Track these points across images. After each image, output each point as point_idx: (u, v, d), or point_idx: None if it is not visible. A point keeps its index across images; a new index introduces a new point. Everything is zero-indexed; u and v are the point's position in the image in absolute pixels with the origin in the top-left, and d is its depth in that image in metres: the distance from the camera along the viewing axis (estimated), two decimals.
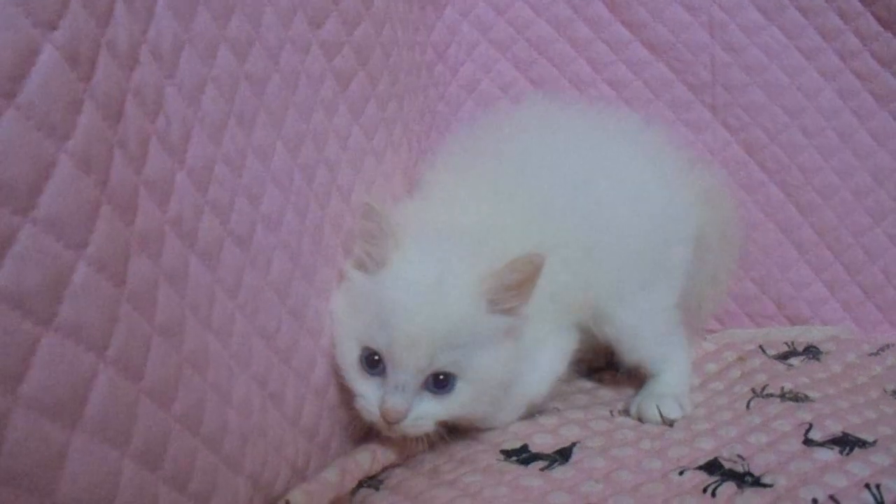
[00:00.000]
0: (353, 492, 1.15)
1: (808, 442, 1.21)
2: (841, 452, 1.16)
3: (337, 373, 1.16)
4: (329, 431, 1.17)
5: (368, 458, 1.17)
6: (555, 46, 1.88)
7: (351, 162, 1.23)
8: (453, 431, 1.24)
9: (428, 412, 1.12)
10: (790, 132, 1.83)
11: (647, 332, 1.42)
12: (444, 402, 1.13)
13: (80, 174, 0.63)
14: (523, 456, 1.22)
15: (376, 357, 1.11)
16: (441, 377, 1.11)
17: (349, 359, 1.13)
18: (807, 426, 1.26)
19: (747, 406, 1.39)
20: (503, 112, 1.54)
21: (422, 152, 1.58)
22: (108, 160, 0.68)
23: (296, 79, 1.07)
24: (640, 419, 1.38)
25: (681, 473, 1.13)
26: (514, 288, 1.10)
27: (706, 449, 1.21)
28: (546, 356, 1.32)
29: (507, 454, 1.23)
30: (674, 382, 1.44)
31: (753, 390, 1.47)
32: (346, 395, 1.18)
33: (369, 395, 1.12)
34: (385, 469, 1.20)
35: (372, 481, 1.18)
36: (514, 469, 1.19)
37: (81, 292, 0.63)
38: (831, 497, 1.03)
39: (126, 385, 0.69)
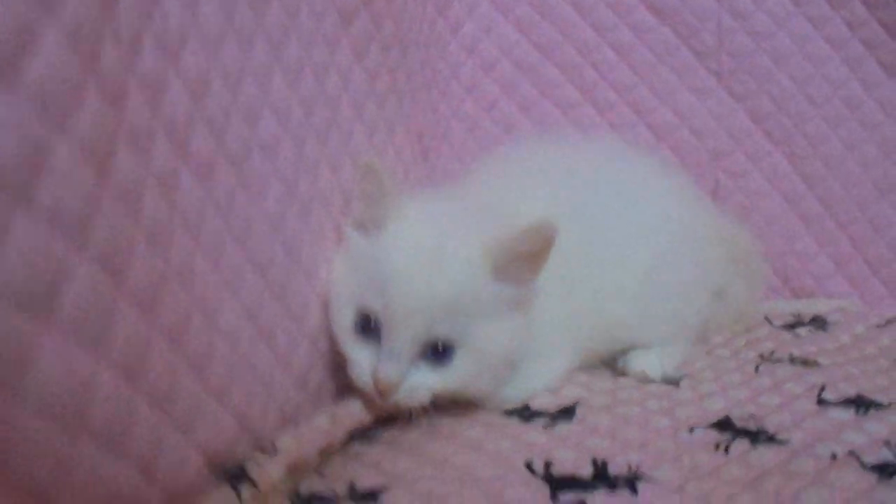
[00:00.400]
0: (346, 446, 1.09)
1: (821, 402, 1.16)
2: (857, 412, 1.11)
3: (332, 338, 1.10)
4: (321, 383, 1.11)
5: (361, 408, 1.10)
6: (558, 10, 1.84)
7: (352, 103, 1.19)
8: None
9: (423, 383, 1.04)
10: (796, 101, 1.79)
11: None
12: (442, 373, 1.05)
13: (68, 51, 0.59)
14: (525, 414, 1.16)
15: (371, 322, 1.04)
16: (439, 346, 1.04)
17: (343, 323, 1.07)
18: (819, 387, 1.21)
19: (756, 370, 1.34)
20: (540, 145, 1.51)
21: (426, 106, 1.53)
22: (97, 44, 0.63)
23: (297, 5, 1.04)
24: (624, 373, 1.36)
25: (691, 431, 1.08)
26: (523, 259, 1.03)
27: (715, 409, 1.15)
28: (554, 363, 1.26)
29: (508, 413, 1.17)
30: (667, 349, 1.39)
31: (761, 356, 1.42)
32: (342, 357, 1.11)
33: (362, 361, 1.05)
34: (379, 425, 1.14)
35: (365, 436, 1.12)
36: (516, 425, 1.13)
37: (60, 176, 0.58)
38: (850, 452, 0.97)
39: (106, 283, 0.64)
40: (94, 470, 0.63)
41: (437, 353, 1.04)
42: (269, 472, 0.90)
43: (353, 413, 1.09)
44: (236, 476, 0.87)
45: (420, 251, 1.02)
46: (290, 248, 1.02)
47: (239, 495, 0.85)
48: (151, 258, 0.72)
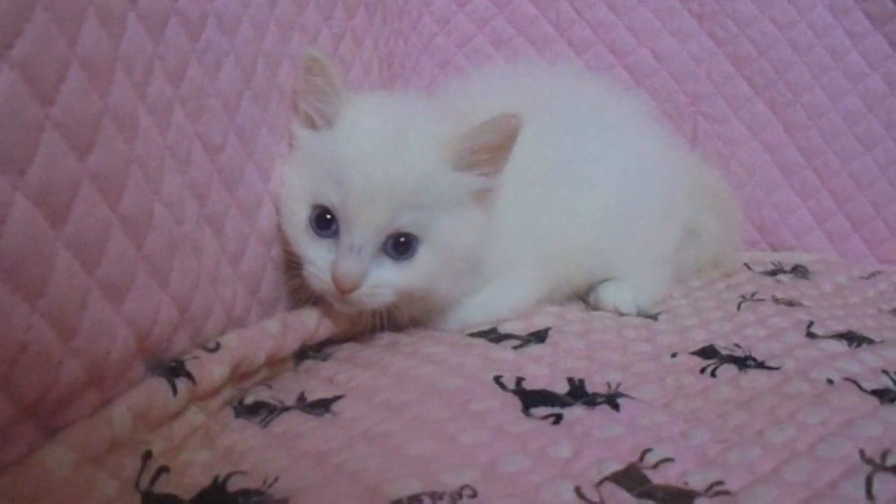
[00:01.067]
0: (298, 362, 1.02)
1: (810, 336, 1.08)
2: (849, 345, 1.03)
3: (284, 240, 1.04)
4: (274, 291, 1.04)
5: (315, 318, 1.03)
6: None
7: (318, 4, 1.12)
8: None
9: (387, 279, 0.99)
10: (779, 47, 1.73)
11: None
12: (406, 268, 1.00)
13: None
14: (492, 336, 1.08)
15: (328, 216, 0.98)
16: (402, 239, 0.99)
17: (297, 219, 1.00)
18: (807, 323, 1.13)
19: (738, 307, 1.26)
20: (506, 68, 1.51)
21: (396, 33, 1.48)
22: None
23: None
24: (596, 307, 1.29)
25: (673, 356, 1.00)
26: (485, 151, 0.99)
27: (698, 339, 1.08)
28: (521, 285, 1.19)
29: (474, 335, 1.10)
30: (640, 282, 1.31)
31: (742, 296, 1.35)
32: (297, 264, 1.04)
33: (319, 259, 0.99)
34: (335, 342, 1.06)
35: (319, 353, 1.04)
36: (482, 344, 1.06)
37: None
38: (847, 378, 0.89)
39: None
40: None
41: (400, 247, 0.99)
42: (210, 369, 0.82)
43: (306, 322, 1.01)
44: (173, 370, 0.79)
45: (377, 140, 0.98)
46: (243, 135, 0.95)
47: (175, 389, 0.76)
48: (84, 87, 0.65)
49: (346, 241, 0.97)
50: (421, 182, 0.97)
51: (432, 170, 0.98)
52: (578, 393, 0.88)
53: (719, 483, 0.67)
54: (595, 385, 0.90)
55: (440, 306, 1.12)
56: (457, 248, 1.03)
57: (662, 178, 1.32)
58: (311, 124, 1.03)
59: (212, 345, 0.86)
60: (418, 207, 0.97)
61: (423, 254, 1.00)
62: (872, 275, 1.55)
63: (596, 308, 1.27)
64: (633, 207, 1.26)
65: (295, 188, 1.01)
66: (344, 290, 0.96)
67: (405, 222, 0.97)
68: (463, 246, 1.04)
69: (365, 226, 0.96)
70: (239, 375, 0.88)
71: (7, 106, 0.55)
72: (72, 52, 0.63)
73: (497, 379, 0.90)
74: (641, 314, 1.24)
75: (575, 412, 0.83)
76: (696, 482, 0.68)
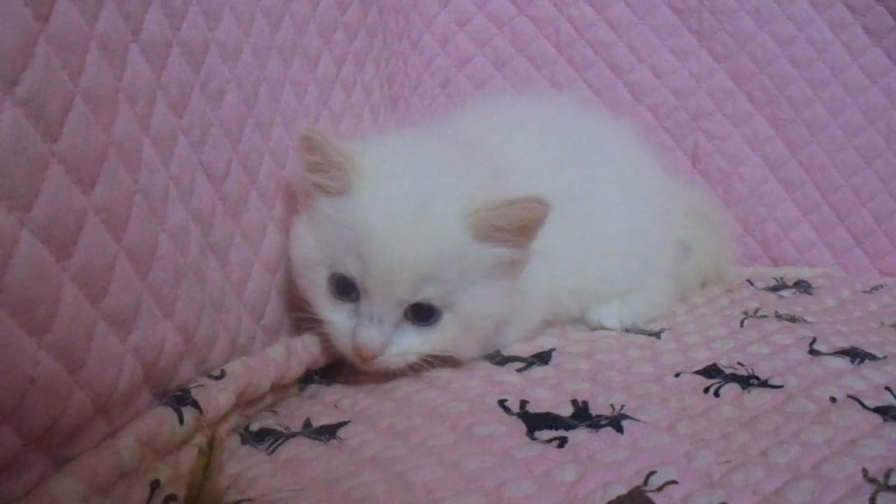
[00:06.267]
0: (303, 386, 1.03)
1: (813, 352, 1.08)
2: (852, 362, 1.03)
3: (300, 295, 1.03)
4: (278, 317, 1.04)
5: (318, 344, 1.04)
6: None
7: (319, 28, 1.14)
8: None
9: (410, 347, 0.98)
10: (779, 63, 1.73)
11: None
12: (429, 335, 0.99)
13: None
14: (496, 359, 1.09)
15: (349, 285, 0.97)
16: (425, 309, 0.97)
17: (315, 282, 0.99)
18: (810, 340, 1.13)
19: (741, 324, 1.26)
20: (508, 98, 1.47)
21: (397, 53, 1.48)
22: None
23: None
24: (586, 324, 1.29)
25: (676, 376, 1.00)
26: (511, 231, 0.97)
27: (701, 358, 1.08)
28: (532, 311, 1.18)
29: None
30: (631, 297, 1.31)
31: (745, 312, 1.35)
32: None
33: (340, 324, 0.99)
34: (338, 364, 1.06)
35: (323, 377, 1.05)
36: (486, 366, 1.06)
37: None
38: (850, 396, 0.89)
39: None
40: (5, 345, 0.55)
41: (423, 314, 0.98)
42: (216, 397, 0.82)
43: (310, 347, 1.02)
44: (179, 399, 0.79)
45: (398, 211, 0.95)
46: (247, 163, 0.96)
47: (181, 417, 0.77)
48: (87, 117, 0.66)
49: (366, 311, 0.96)
50: (443, 257, 0.95)
51: (456, 244, 0.96)
52: (583, 415, 0.88)
53: None
54: (599, 407, 0.90)
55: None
56: (482, 317, 1.02)
57: (657, 197, 1.34)
58: (325, 191, 0.99)
59: (217, 373, 0.86)
60: (441, 281, 0.95)
61: (447, 321, 0.99)
62: (875, 288, 1.55)
63: (585, 324, 1.28)
64: (639, 232, 1.27)
65: (312, 251, 0.99)
66: (365, 359, 0.96)
67: (427, 295, 0.96)
68: (489, 315, 1.03)
69: (386, 298, 0.95)
70: (244, 402, 0.89)
71: (12, 142, 0.56)
72: (75, 86, 0.63)
73: (501, 403, 0.91)
74: (632, 330, 1.25)
75: (579, 435, 0.83)
76: None
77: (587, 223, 1.20)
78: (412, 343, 0.98)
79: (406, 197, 0.95)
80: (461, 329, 1.00)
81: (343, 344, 0.98)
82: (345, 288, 0.97)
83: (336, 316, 0.98)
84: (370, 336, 0.95)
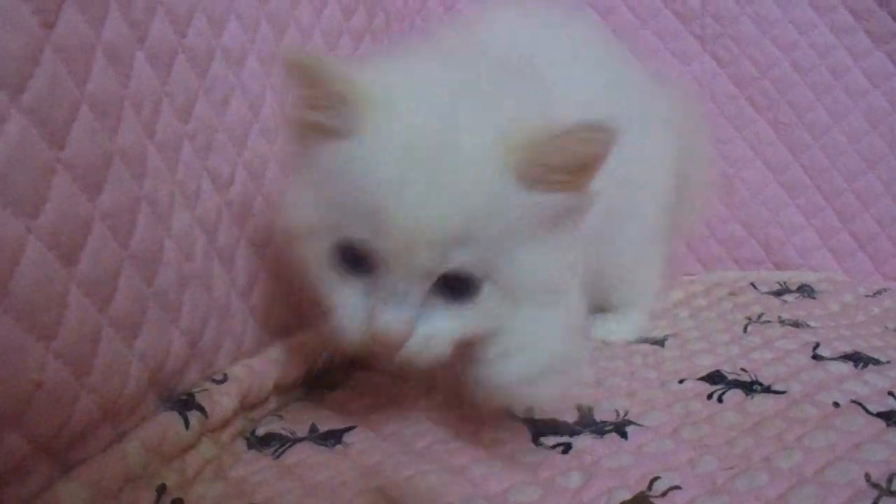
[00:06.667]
0: (307, 391, 1.02)
1: (816, 357, 1.08)
2: (855, 366, 1.03)
3: (297, 275, 0.81)
4: (285, 323, 1.03)
5: (316, 341, 1.00)
6: None
7: (325, 34, 1.14)
8: None
9: (442, 329, 0.75)
10: (781, 67, 1.73)
11: (630, 266, 1.23)
12: (465, 313, 0.75)
13: None
14: None
15: (359, 254, 0.74)
16: (459, 280, 0.73)
17: (315, 254, 0.77)
18: (813, 345, 1.13)
19: (745, 330, 1.26)
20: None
21: None
22: None
23: None
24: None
25: (680, 382, 1.00)
26: (564, 170, 0.72)
27: (705, 364, 1.08)
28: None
29: None
30: (629, 315, 1.27)
31: (749, 318, 1.35)
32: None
33: (351, 306, 0.76)
34: (342, 367, 1.06)
35: (327, 381, 1.04)
36: None
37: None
38: (854, 401, 0.89)
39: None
40: (12, 350, 0.56)
41: (457, 287, 0.74)
42: (220, 401, 0.83)
43: (309, 344, 1.00)
44: (185, 404, 0.80)
45: (418, 153, 0.70)
46: (252, 169, 0.96)
47: (187, 422, 0.77)
48: (93, 125, 0.67)
49: (385, 285, 0.73)
50: (480, 209, 0.70)
51: (495, 191, 0.71)
52: (587, 421, 0.88)
53: None
54: (603, 412, 0.90)
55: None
56: (532, 283, 0.77)
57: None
58: (323, 133, 0.75)
59: (219, 377, 0.86)
60: (478, 241, 0.71)
61: (487, 293, 0.75)
62: (878, 292, 1.55)
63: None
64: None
65: (309, 216, 0.76)
66: (385, 346, 0.74)
67: (461, 262, 0.72)
68: (540, 281, 0.77)
69: (408, 269, 0.71)
70: (248, 405, 0.89)
71: (19, 150, 0.56)
72: (81, 93, 0.64)
73: (507, 409, 0.90)
74: (638, 340, 1.23)
75: (584, 441, 0.84)
76: None
77: (640, 167, 1.07)
78: (444, 325, 0.74)
79: (426, 133, 0.71)
80: (506, 302, 0.76)
81: (356, 332, 0.75)
82: (355, 259, 0.74)
83: (344, 296, 0.76)
84: (391, 318, 0.72)
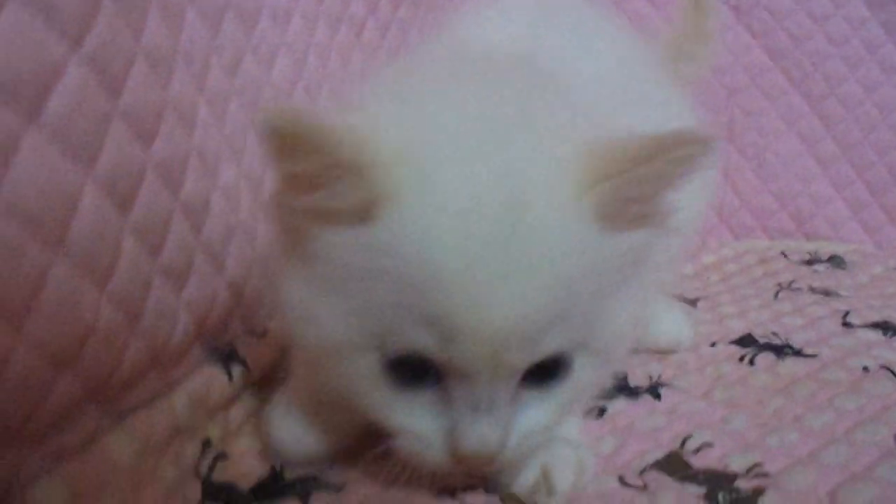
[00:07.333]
0: None
1: (846, 325, 1.09)
2: (884, 334, 1.04)
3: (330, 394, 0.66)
4: None
5: None
6: None
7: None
8: None
9: (537, 425, 0.62)
10: (815, 39, 1.73)
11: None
12: (557, 395, 0.62)
13: None
14: None
15: (420, 364, 0.57)
16: (551, 364, 0.59)
17: (360, 375, 0.59)
18: (843, 312, 1.14)
19: (775, 296, 1.27)
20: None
21: None
22: None
23: None
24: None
25: (712, 345, 1.02)
26: (647, 196, 0.57)
27: (736, 328, 1.09)
28: None
29: None
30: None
31: (779, 284, 1.36)
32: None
33: (424, 428, 0.60)
34: None
35: None
36: None
37: None
38: (883, 366, 0.90)
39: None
40: (70, 295, 0.56)
41: (549, 372, 0.60)
42: (260, 354, 0.84)
43: None
44: (228, 357, 0.81)
45: (478, 225, 0.53)
46: None
47: (230, 375, 0.79)
48: (148, 77, 0.68)
49: (465, 399, 0.57)
50: (570, 277, 0.55)
51: (581, 247, 0.55)
52: (622, 386, 0.89)
53: (758, 465, 0.69)
54: (637, 378, 0.92)
55: None
56: (621, 342, 0.66)
57: None
58: (331, 220, 0.56)
59: (260, 330, 0.88)
60: (570, 315, 0.56)
61: (579, 367, 0.61)
62: None
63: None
64: None
65: (338, 332, 0.58)
66: (483, 465, 0.60)
67: (555, 346, 0.57)
68: (628, 335, 0.66)
69: (494, 373, 0.56)
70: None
71: (78, 98, 0.57)
72: (137, 45, 0.65)
73: None
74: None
75: (618, 405, 0.85)
76: (737, 465, 0.70)
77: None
78: (540, 417, 0.62)
79: (483, 192, 0.53)
80: (598, 370, 0.64)
81: (439, 456, 0.60)
82: (416, 371, 0.58)
83: (413, 418, 0.60)
84: (483, 432, 0.57)
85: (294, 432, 0.72)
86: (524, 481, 0.67)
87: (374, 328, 0.56)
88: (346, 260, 0.55)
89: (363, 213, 0.53)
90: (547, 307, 0.54)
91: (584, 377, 0.61)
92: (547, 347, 0.56)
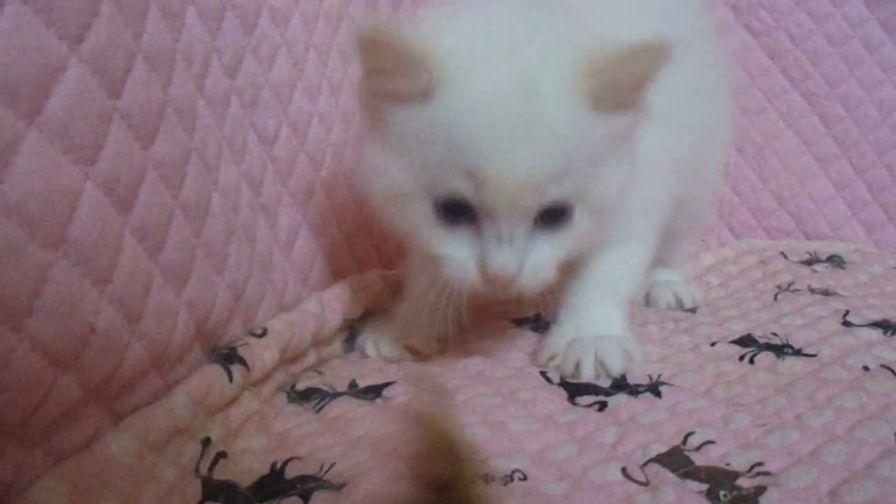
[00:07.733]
0: (348, 348, 1.05)
1: (846, 324, 1.09)
2: (884, 334, 1.03)
3: (398, 234, 0.91)
4: (324, 279, 1.07)
5: (350, 292, 1.05)
6: None
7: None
8: None
9: (546, 258, 0.84)
10: (814, 39, 1.73)
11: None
12: (562, 237, 0.84)
13: None
14: (535, 324, 1.10)
15: (461, 205, 0.81)
16: (557, 210, 0.82)
17: (417, 216, 0.83)
18: (843, 312, 1.14)
19: (775, 298, 1.27)
20: None
21: None
22: None
23: None
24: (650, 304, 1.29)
25: (712, 345, 1.01)
26: (626, 88, 0.80)
27: (736, 329, 1.09)
28: (641, 248, 1.06)
29: (521, 325, 1.13)
30: (679, 274, 1.34)
31: (779, 286, 1.36)
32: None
33: (462, 257, 0.82)
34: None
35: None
36: (529, 335, 1.08)
37: None
38: (883, 366, 0.90)
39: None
40: (70, 295, 0.57)
41: (555, 216, 0.82)
42: (261, 354, 0.84)
43: (342, 296, 1.04)
44: (227, 357, 0.81)
45: (504, 103, 0.76)
46: (296, 127, 0.98)
47: (230, 375, 0.79)
48: (148, 77, 0.68)
49: (491, 231, 0.80)
50: (570, 143, 0.78)
51: (578, 122, 0.78)
52: (621, 385, 0.90)
53: (760, 464, 0.69)
54: (637, 378, 0.91)
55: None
56: (612, 200, 0.86)
57: None
58: (400, 99, 0.80)
59: (259, 331, 0.88)
60: (571, 172, 0.79)
61: (579, 216, 0.84)
62: None
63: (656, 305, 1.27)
64: None
65: (401, 182, 0.82)
66: (503, 287, 0.82)
67: (559, 194, 0.80)
68: (616, 197, 0.87)
69: (513, 213, 0.79)
70: (288, 359, 0.91)
71: (78, 98, 0.57)
72: (137, 45, 0.65)
73: (543, 374, 0.93)
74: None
75: (619, 400, 0.85)
76: (738, 463, 0.69)
77: (700, 76, 1.12)
78: (548, 253, 0.84)
79: (508, 82, 0.77)
80: (594, 219, 0.86)
81: (472, 278, 0.82)
82: (457, 211, 0.81)
83: (455, 248, 0.83)
84: (504, 260, 0.80)
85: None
86: (587, 370, 0.92)
87: (427, 179, 0.80)
88: (410, 129, 0.80)
89: (423, 95, 0.78)
90: (550, 164, 0.78)
91: (583, 226, 0.85)
92: (551, 194, 0.79)
